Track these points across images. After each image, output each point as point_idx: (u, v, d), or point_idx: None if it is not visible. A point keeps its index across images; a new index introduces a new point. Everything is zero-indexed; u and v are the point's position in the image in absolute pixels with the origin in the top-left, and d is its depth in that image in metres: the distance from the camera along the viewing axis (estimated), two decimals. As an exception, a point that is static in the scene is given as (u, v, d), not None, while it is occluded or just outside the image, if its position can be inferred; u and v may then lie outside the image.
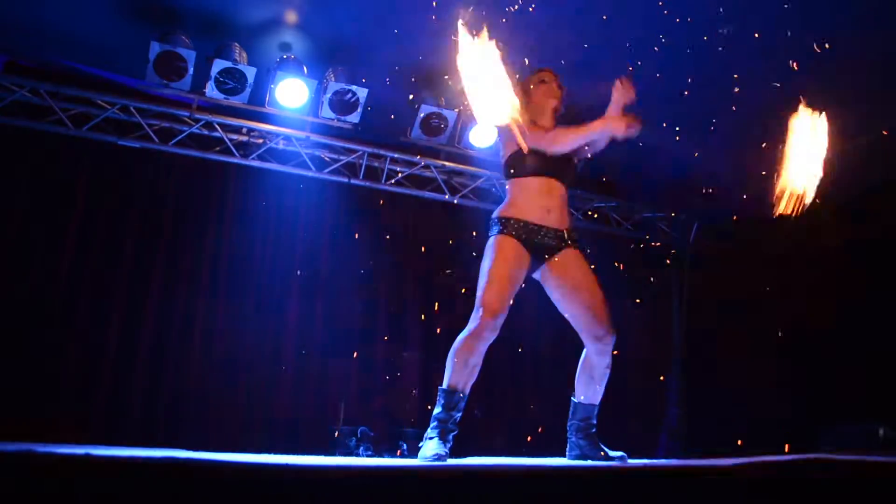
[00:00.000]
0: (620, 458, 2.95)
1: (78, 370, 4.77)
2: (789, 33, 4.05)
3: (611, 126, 2.90)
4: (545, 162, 3.02)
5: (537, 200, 3.01)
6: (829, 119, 2.95)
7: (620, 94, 2.98)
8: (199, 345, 5.18)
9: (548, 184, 3.04)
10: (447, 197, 6.03)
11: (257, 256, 5.51)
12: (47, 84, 4.98)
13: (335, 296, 5.61)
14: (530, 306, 3.62)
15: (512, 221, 2.96)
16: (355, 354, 5.50)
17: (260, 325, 5.34)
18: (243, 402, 5.17)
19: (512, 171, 3.09)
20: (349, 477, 1.54)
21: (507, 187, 3.14)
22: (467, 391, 2.86)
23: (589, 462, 2.91)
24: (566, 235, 3.04)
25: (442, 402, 2.83)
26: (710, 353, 6.34)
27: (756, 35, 4.09)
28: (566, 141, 2.97)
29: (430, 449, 2.69)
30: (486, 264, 2.94)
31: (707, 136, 5.26)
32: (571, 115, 3.20)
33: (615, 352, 2.99)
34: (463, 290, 4.82)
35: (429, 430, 2.82)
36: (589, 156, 3.18)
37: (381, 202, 5.92)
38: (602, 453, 2.97)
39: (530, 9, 4.14)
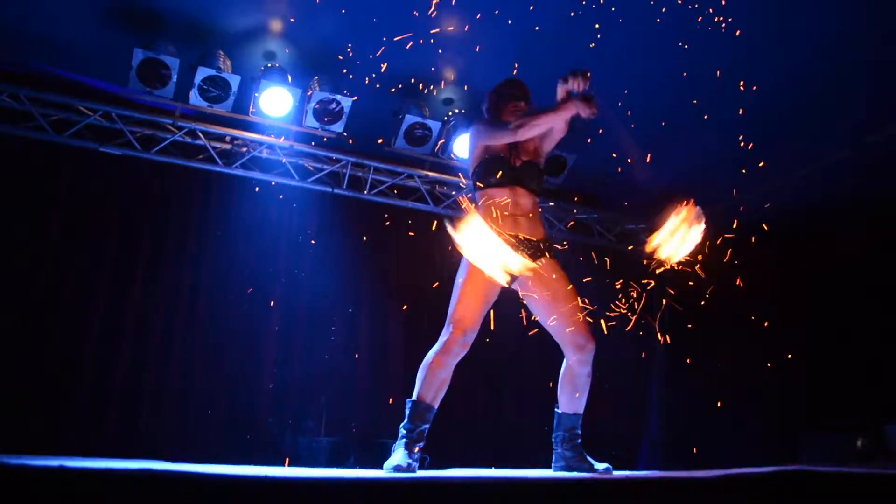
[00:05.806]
0: (605, 469, 2.95)
1: (54, 377, 4.68)
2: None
3: (570, 109, 2.87)
4: (511, 171, 3.06)
5: (508, 212, 3.02)
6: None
7: (567, 87, 2.91)
8: (179, 353, 5.12)
9: (516, 193, 3.06)
10: (431, 206, 6.03)
11: (239, 265, 5.45)
12: (27, 89, 4.93)
13: (317, 305, 5.57)
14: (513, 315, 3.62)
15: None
16: (336, 363, 5.47)
17: (242, 334, 5.29)
18: (224, 411, 5.10)
19: (479, 181, 3.11)
20: (322, 488, 1.53)
21: (477, 200, 3.15)
22: (436, 404, 2.89)
23: (574, 474, 2.91)
24: (542, 245, 3.05)
25: (409, 413, 2.86)
26: (692, 364, 6.38)
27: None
28: (531, 125, 2.95)
29: (395, 460, 2.70)
30: (460, 279, 2.96)
31: (689, 146, 5.32)
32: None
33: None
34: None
35: (396, 441, 2.85)
36: (548, 148, 3.23)
37: (365, 212, 5.90)
38: (588, 465, 2.98)
39: (508, 21, 4.18)
